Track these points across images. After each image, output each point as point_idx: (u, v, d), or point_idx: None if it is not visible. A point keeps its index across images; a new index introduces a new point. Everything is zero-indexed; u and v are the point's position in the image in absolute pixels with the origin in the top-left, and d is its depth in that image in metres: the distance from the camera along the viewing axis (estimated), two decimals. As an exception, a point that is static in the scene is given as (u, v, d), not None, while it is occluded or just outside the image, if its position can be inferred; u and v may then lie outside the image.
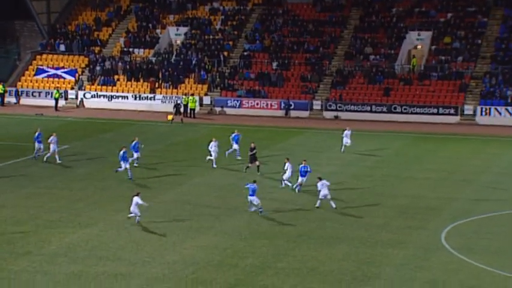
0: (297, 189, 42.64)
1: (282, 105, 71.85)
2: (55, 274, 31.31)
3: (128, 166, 46.16)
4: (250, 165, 47.37)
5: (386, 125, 67.14)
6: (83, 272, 31.52)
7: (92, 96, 76.09)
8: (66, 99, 76.12)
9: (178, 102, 70.16)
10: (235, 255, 33.52)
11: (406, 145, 59.13)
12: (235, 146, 51.21)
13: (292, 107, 71.68)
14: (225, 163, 50.50)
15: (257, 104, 72.62)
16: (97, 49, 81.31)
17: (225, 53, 78.52)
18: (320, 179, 39.81)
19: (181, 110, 68.92)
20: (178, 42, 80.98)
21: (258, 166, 47.38)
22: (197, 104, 71.69)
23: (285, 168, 43.78)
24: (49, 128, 60.95)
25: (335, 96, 72.07)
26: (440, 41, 75.88)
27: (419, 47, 76.75)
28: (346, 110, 70.59)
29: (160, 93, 75.07)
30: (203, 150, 50.90)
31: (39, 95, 76.95)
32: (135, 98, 75.08)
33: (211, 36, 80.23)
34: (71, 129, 63.80)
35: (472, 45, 74.88)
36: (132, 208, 37.05)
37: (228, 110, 72.80)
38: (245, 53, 78.31)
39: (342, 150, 53.56)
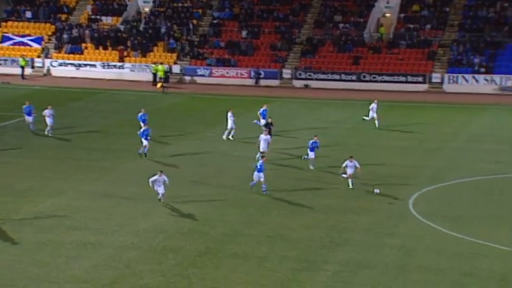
0: (311, 166, 41.89)
1: (252, 74, 71.70)
2: (23, 243, 31.17)
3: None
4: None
5: (356, 93, 67.32)
6: (51, 240, 31.41)
7: (59, 65, 75.36)
8: (33, 67, 75.33)
9: (166, 70, 69.82)
10: (206, 223, 33.58)
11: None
12: (262, 121, 49.18)
13: (262, 75, 71.57)
14: (196, 132, 50.37)
15: (227, 72, 72.41)
16: (64, 16, 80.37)
17: (194, 21, 77.98)
18: (351, 157, 38.27)
19: (165, 79, 68.39)
20: (147, 10, 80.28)
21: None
22: (167, 72, 71.34)
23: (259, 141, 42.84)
24: (16, 96, 60.38)
25: (305, 65, 72.01)
26: (408, 8, 76.06)
27: (388, 15, 76.85)
28: (316, 79, 70.69)
29: (129, 62, 74.45)
30: (175, 119, 50.69)
31: (5, 63, 76.04)
32: (104, 67, 74.45)
33: (180, 4, 79.56)
34: (38, 98, 63.03)
35: (440, 13, 75.15)
36: (158, 188, 35.45)
37: (198, 79, 72.52)
38: (214, 21, 77.84)
39: (376, 125, 52.59)
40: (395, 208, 35.90)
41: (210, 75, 72.52)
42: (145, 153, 44.12)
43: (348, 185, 38.21)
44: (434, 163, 44.07)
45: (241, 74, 72.22)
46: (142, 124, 46.98)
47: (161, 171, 35.40)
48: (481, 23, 73.43)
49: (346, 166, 38.13)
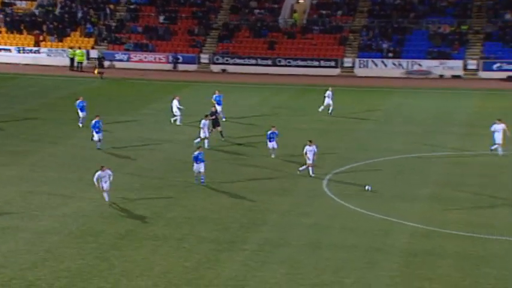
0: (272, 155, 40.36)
1: (170, 58, 71.14)
2: None
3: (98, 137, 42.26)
4: (213, 129, 43.53)
5: (272, 77, 67.62)
6: (-29, 227, 30.57)
7: (-28, 50, 73.06)
8: None
9: (101, 56, 68.27)
10: (126, 206, 33.24)
11: (291, 97, 59.80)
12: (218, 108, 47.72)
13: (180, 60, 71.07)
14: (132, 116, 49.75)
15: (145, 57, 71.66)
16: (-24, 1, 77.88)
17: (111, 6, 76.70)
18: (310, 142, 37.62)
19: (103, 63, 66.89)
20: (63, -6, 78.48)
21: (221, 132, 44.23)
22: (85, 57, 70.04)
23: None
24: None
25: (222, 50, 71.85)
26: (321, -5, 76.66)
27: (301, 1, 77.32)
28: (233, 64, 70.65)
29: (46, 47, 72.73)
30: (95, 103, 49.79)
31: None
32: (19, 51, 72.53)
33: (96, -11, 78.16)
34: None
35: (351, 0, 76.06)
36: (103, 184, 32.65)
37: (116, 64, 71.46)
38: (131, 6, 76.77)
39: (329, 111, 51.14)
40: (310, 188, 36.29)
41: (129, 60, 71.62)
42: (99, 147, 41.78)
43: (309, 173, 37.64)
44: (346, 144, 44.70)
45: (160, 59, 71.57)
46: (80, 112, 45.81)
47: (103, 166, 32.85)
48: (389, 9, 74.69)
49: (306, 152, 37.30)
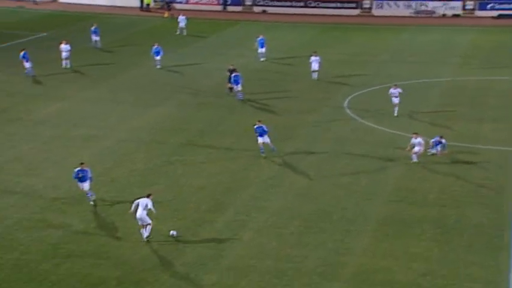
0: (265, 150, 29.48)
1: (221, 0, 70.11)
2: (41, 136, 31.07)
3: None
4: (231, 86, 37.42)
5: (303, 17, 66.47)
6: (62, 135, 31.35)
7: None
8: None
9: None
10: (184, 121, 33.62)
11: (318, 34, 58.92)
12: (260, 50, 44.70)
13: (228, 2, 70.05)
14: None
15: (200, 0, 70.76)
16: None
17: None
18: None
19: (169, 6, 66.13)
20: None
21: (230, 88, 37.47)
22: (151, 0, 69.47)
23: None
24: (29, 18, 58.62)
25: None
26: None
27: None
28: (272, 5, 69.49)
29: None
30: (160, 37, 49.70)
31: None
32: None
33: None
34: (47, 20, 61.32)
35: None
36: (140, 214, 21.82)
37: (176, 5, 70.70)
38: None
39: (315, 77, 41.07)
40: (333, 108, 36.18)
41: (187, 2, 70.75)
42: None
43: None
44: (364, 72, 44.19)
45: (212, 1, 70.63)
46: (155, 56, 42.99)
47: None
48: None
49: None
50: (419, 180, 26.82)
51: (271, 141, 28.73)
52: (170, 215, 23.52)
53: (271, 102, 37.04)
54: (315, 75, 40.73)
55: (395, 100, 34.28)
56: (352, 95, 38.50)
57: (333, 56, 49.13)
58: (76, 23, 60.17)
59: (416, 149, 28.11)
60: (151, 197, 21.91)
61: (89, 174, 23.93)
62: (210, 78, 41.73)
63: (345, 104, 36.93)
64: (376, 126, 33.11)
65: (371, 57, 49.30)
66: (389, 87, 34.91)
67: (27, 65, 40.69)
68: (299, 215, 23.74)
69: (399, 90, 34.40)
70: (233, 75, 36.83)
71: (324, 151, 29.86)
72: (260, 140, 28.76)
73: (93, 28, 49.27)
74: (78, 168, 23.82)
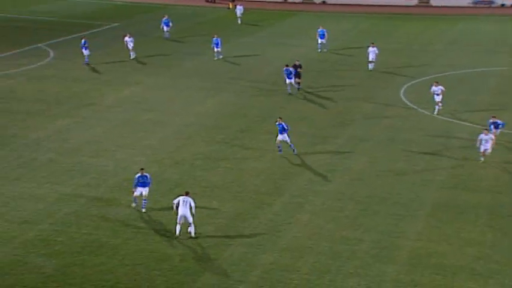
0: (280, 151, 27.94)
1: (281, -9, 69.81)
2: (112, 120, 31.85)
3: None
4: (294, 80, 35.59)
5: (361, 7, 65.52)
6: (132, 119, 32.02)
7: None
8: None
9: None
10: (243, 108, 33.82)
11: (375, 23, 58.03)
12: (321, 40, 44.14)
13: (289, -7, 69.66)
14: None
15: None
16: None
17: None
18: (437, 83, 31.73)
19: None
20: None
21: (298, 83, 35.91)
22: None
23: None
24: (104, 9, 59.82)
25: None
26: None
27: None
28: (331, -4, 68.77)
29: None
30: (223, 27, 49.98)
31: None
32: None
33: None
34: (121, 10, 62.51)
35: None
36: (185, 211, 20.87)
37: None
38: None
39: (371, 67, 40.29)
40: (389, 96, 35.71)
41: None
42: None
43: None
44: (420, 61, 43.34)
45: (273, -8, 70.31)
46: (215, 48, 42.53)
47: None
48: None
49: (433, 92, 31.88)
50: (474, 167, 26.22)
51: (290, 140, 26.94)
52: (230, 197, 23.79)
53: (328, 90, 36.80)
54: (371, 66, 40.16)
55: (437, 98, 31.75)
56: (408, 84, 37.85)
57: (390, 45, 48.38)
58: (146, 13, 61.16)
59: (484, 147, 25.97)
60: (189, 194, 20.83)
61: (149, 180, 22.47)
62: (270, 67, 41.74)
63: (401, 92, 36.35)
64: (431, 114, 32.47)
65: (427, 46, 48.30)
66: (431, 84, 32.91)
67: (85, 52, 41.40)
68: (354, 198, 23.62)
69: (441, 87, 31.94)
70: (285, 69, 35.11)
71: (379, 138, 29.54)
72: (280, 137, 27.06)
73: (164, 19, 49.91)
74: (139, 174, 22.39)
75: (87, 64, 41.41)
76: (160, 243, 20.72)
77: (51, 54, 44.34)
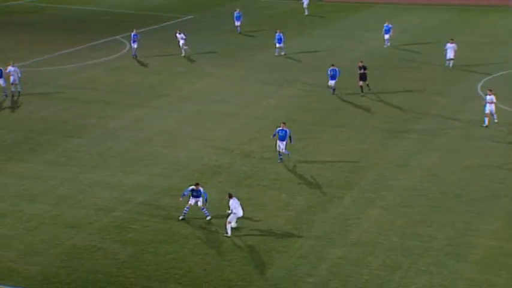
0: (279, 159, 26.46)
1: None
2: (184, 111, 32.38)
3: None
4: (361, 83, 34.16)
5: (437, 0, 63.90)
6: (203, 110, 32.45)
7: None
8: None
9: None
10: (313, 101, 33.62)
11: (454, 16, 56.39)
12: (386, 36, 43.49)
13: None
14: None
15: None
16: None
17: None
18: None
19: None
20: None
21: (367, 85, 34.37)
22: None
23: None
24: (179, 1, 60.75)
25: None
26: None
27: None
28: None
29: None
30: (286, 22, 49.76)
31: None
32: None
33: None
34: (196, 2, 63.35)
35: None
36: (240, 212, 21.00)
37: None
38: None
39: (449, 65, 38.73)
40: (465, 91, 34.66)
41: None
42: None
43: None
44: (498, 55, 41.82)
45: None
46: (277, 44, 42.13)
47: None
48: None
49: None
50: (556, 166, 25.07)
51: (285, 147, 25.60)
52: (301, 190, 23.73)
53: (401, 83, 36.09)
54: (449, 64, 38.68)
55: (490, 107, 28.72)
56: (486, 78, 36.60)
57: (466, 37, 46.99)
58: (221, 5, 61.69)
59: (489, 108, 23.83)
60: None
61: (201, 193, 21.52)
62: (341, 60, 41.30)
63: (479, 86, 35.19)
64: (508, 108, 31.26)
65: (506, 39, 46.51)
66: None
67: (134, 45, 41.77)
68: (427, 194, 23.10)
69: (493, 98, 28.76)
70: (330, 69, 34.09)
71: (454, 133, 28.73)
72: (279, 145, 25.64)
73: (236, 13, 50.16)
74: (192, 187, 21.55)
75: (135, 57, 41.92)
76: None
77: (128, 46, 45.47)
